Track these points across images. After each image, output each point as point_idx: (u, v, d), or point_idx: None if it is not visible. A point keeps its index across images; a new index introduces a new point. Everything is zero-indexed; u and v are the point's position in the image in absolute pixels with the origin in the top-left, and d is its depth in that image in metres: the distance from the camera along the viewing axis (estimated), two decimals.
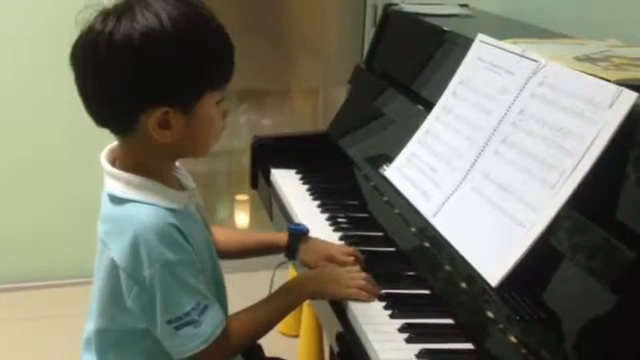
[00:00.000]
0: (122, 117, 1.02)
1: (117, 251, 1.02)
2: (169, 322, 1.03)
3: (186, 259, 1.03)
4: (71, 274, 2.52)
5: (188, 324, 1.03)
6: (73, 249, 2.36)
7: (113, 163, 1.08)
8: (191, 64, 0.99)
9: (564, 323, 0.96)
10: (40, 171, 2.61)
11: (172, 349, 1.05)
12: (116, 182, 1.05)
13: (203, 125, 1.04)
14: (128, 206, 1.03)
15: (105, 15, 0.99)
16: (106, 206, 1.07)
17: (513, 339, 0.99)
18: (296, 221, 1.50)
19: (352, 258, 1.27)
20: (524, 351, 0.97)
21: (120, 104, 1.01)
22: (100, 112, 1.03)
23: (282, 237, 1.33)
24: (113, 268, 1.04)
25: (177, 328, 1.03)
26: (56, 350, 2.08)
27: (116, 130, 1.06)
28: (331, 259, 1.27)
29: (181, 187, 1.13)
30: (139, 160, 1.06)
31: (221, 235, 1.30)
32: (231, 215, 3.51)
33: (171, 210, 1.04)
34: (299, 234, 1.33)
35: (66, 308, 1.93)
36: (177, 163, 1.15)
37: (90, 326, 1.13)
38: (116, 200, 1.05)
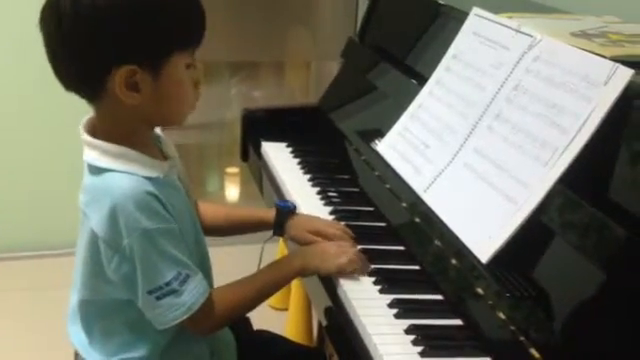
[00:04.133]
0: (88, 78, 1.01)
1: (96, 221, 1.01)
2: (150, 292, 1.02)
3: (165, 228, 1.02)
4: (58, 245, 2.51)
5: (169, 294, 1.02)
6: (61, 219, 2.35)
7: (94, 133, 1.06)
8: (154, 23, 0.99)
9: (553, 300, 0.96)
10: (27, 142, 2.59)
11: (154, 319, 1.05)
12: (93, 151, 1.04)
13: (172, 88, 1.03)
14: (105, 175, 1.02)
15: None
16: (85, 176, 1.06)
17: (502, 316, 0.99)
18: (286, 195, 1.50)
19: (340, 232, 1.27)
20: (513, 328, 0.97)
21: (85, 64, 1.00)
22: (67, 74, 1.02)
23: (269, 214, 1.32)
24: (93, 238, 1.03)
25: (158, 298, 1.02)
26: (45, 320, 2.08)
27: (85, 94, 1.04)
28: (319, 233, 1.26)
29: (162, 156, 1.12)
30: (113, 127, 1.05)
31: (207, 211, 1.28)
32: (221, 188, 3.50)
33: (149, 179, 1.03)
34: (286, 211, 1.32)
35: (54, 279, 1.93)
36: (159, 132, 1.14)
37: (74, 297, 1.13)
38: (94, 169, 1.04)
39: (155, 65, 1.00)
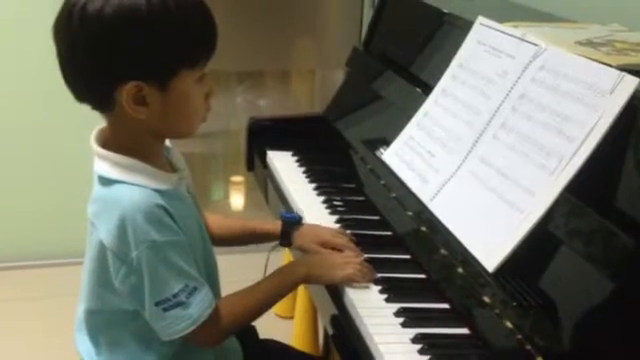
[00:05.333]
0: (97, 92, 1.01)
1: (104, 232, 1.01)
2: (157, 304, 1.02)
3: (174, 240, 1.02)
4: (66, 254, 2.51)
5: (176, 306, 1.02)
6: (69, 229, 2.36)
7: (104, 144, 1.07)
8: (161, 41, 0.98)
9: (560, 309, 0.95)
10: (36, 151, 2.59)
11: (160, 331, 1.05)
12: (103, 162, 1.04)
13: (181, 103, 1.03)
14: (115, 187, 1.02)
15: None
16: (95, 187, 1.06)
17: (509, 324, 0.99)
18: (292, 203, 1.50)
19: (346, 241, 1.27)
20: (519, 336, 0.97)
21: (93, 78, 1.00)
22: (76, 86, 1.02)
23: (275, 225, 1.33)
24: (101, 249, 1.03)
25: (165, 310, 1.02)
26: (52, 330, 2.08)
27: (94, 105, 1.05)
28: (325, 244, 1.26)
29: (172, 168, 1.12)
30: (123, 139, 1.05)
31: (213, 221, 1.29)
32: (226, 196, 3.50)
33: (159, 191, 1.03)
34: (293, 222, 1.32)
35: (61, 288, 1.93)
36: (168, 143, 1.14)
37: (81, 307, 1.13)
38: (104, 181, 1.04)
39: (162, 81, 1.00)
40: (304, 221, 1.35)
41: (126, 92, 0.99)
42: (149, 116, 1.01)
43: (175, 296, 1.02)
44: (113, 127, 1.06)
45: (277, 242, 1.34)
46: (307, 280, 1.19)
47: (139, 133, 1.04)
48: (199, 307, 1.04)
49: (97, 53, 0.97)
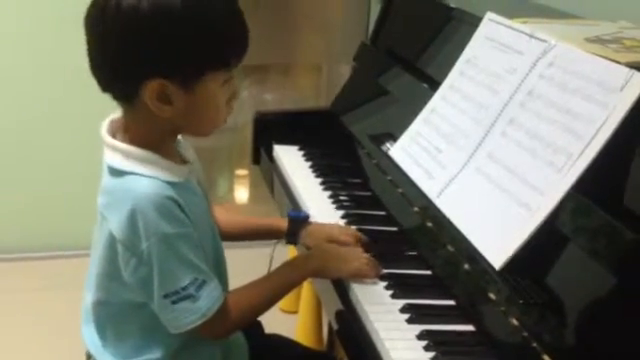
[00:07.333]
0: (123, 84, 1.02)
1: (115, 223, 1.01)
2: (166, 296, 1.02)
3: (184, 233, 1.02)
4: (73, 245, 2.52)
5: (185, 298, 1.02)
6: (75, 220, 2.37)
7: (114, 134, 1.07)
8: (193, 40, 0.98)
9: (566, 307, 0.95)
10: (43, 142, 2.60)
11: (169, 323, 1.05)
12: (115, 153, 1.04)
13: (204, 104, 1.03)
14: (126, 178, 1.02)
15: None
16: (105, 178, 1.06)
17: (514, 322, 0.99)
18: (298, 198, 1.50)
19: (353, 239, 1.27)
20: (525, 334, 0.97)
21: (120, 70, 1.00)
22: (103, 75, 1.03)
23: (283, 223, 1.33)
24: (111, 241, 1.03)
25: (174, 302, 1.02)
26: (57, 321, 2.09)
27: (118, 97, 1.05)
28: (332, 241, 1.26)
29: (182, 160, 1.12)
30: (140, 133, 1.05)
31: (221, 216, 1.29)
32: (230, 190, 3.50)
33: (170, 183, 1.03)
34: (299, 220, 1.32)
35: (68, 280, 1.94)
36: (179, 136, 1.14)
37: (88, 298, 1.13)
38: (115, 172, 1.04)
39: (188, 81, 1.00)
40: (311, 218, 1.35)
41: (150, 89, 0.99)
42: (172, 115, 1.02)
43: (184, 289, 1.02)
44: (133, 121, 1.05)
45: (283, 239, 1.34)
46: (316, 274, 1.19)
47: (158, 129, 1.05)
48: (208, 300, 1.04)
49: (128, 45, 0.97)
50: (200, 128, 1.08)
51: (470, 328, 1.06)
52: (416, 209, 1.31)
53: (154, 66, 0.98)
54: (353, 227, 1.33)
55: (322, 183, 1.55)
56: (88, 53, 1.02)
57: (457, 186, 1.22)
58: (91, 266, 1.11)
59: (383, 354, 1.00)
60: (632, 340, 0.87)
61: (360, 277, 1.15)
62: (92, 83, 1.04)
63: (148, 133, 1.05)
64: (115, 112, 1.08)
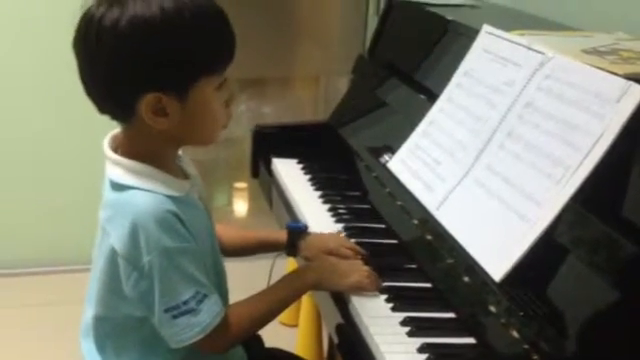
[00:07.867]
0: (117, 104, 1.02)
1: (116, 238, 1.01)
2: (167, 310, 1.02)
3: (185, 247, 1.02)
4: (74, 260, 2.51)
5: (186, 313, 1.02)
6: (75, 236, 2.37)
7: (116, 149, 1.07)
8: (177, 51, 0.98)
9: (566, 319, 0.95)
10: (44, 157, 2.60)
11: (169, 338, 1.04)
12: (116, 168, 1.05)
13: (200, 111, 1.03)
14: (128, 193, 1.03)
15: (100, 1, 0.99)
16: (107, 192, 1.06)
17: (515, 334, 0.99)
18: (297, 211, 1.50)
19: (352, 251, 1.27)
20: (526, 346, 0.96)
21: (112, 90, 1.00)
22: (97, 98, 1.03)
23: (282, 235, 1.33)
24: (112, 255, 1.03)
25: (175, 317, 1.02)
26: (57, 336, 2.08)
27: (115, 117, 1.05)
28: (331, 253, 1.26)
29: (184, 175, 1.12)
30: (141, 147, 1.05)
31: (221, 232, 1.29)
32: (229, 203, 3.50)
33: (171, 197, 1.03)
34: (298, 232, 1.32)
35: (68, 294, 1.93)
36: (180, 151, 1.14)
37: (88, 313, 1.13)
38: (116, 186, 1.04)
39: (181, 91, 1.00)
40: (310, 230, 1.35)
41: (145, 104, 0.99)
42: (170, 126, 1.02)
43: (185, 303, 1.02)
44: (132, 136, 1.06)
45: (283, 251, 1.34)
46: (316, 287, 1.19)
47: (158, 142, 1.05)
48: (208, 315, 1.03)
49: (115, 66, 0.98)
50: (200, 136, 1.08)
51: (471, 340, 1.06)
52: (415, 221, 1.31)
53: (144, 82, 0.98)
54: (352, 240, 1.33)
55: (321, 196, 1.55)
56: (80, 78, 1.02)
57: (456, 198, 1.22)
58: (92, 280, 1.11)
59: None
60: (633, 352, 0.87)
61: (360, 290, 1.15)
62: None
63: (148, 147, 1.05)
64: (117, 127, 1.09)
